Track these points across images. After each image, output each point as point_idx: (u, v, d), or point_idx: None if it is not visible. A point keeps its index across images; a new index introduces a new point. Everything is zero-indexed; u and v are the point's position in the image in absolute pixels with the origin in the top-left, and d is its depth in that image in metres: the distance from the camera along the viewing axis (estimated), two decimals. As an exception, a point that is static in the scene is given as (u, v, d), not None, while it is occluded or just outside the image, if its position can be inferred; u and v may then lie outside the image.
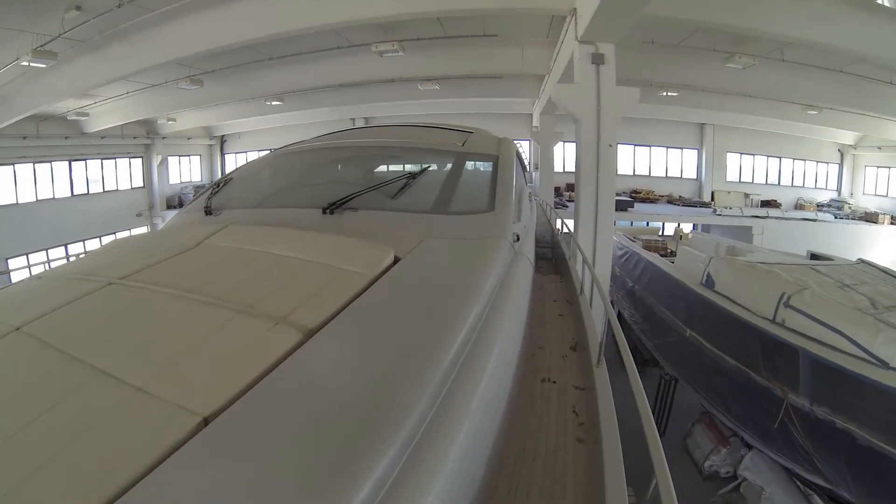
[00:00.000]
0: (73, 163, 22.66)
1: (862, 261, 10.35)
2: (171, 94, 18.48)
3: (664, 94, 17.82)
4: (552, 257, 6.83)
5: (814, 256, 11.57)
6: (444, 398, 1.33)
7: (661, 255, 14.21)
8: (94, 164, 23.73)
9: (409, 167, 3.77)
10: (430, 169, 3.61)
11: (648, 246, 15.54)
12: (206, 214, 3.41)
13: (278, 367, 1.36)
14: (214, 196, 3.68)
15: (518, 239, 3.22)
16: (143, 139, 25.29)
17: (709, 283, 9.71)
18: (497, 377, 1.84)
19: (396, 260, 2.23)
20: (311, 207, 3.06)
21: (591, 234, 9.14)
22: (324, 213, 2.99)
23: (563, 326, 3.77)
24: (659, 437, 1.50)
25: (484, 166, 3.82)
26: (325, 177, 4.17)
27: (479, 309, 1.88)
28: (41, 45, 11.35)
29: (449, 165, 3.74)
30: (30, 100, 15.31)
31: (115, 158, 24.66)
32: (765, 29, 10.42)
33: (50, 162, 21.57)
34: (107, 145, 23.65)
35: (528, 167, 24.27)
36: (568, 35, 10.09)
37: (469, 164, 3.83)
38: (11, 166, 20.08)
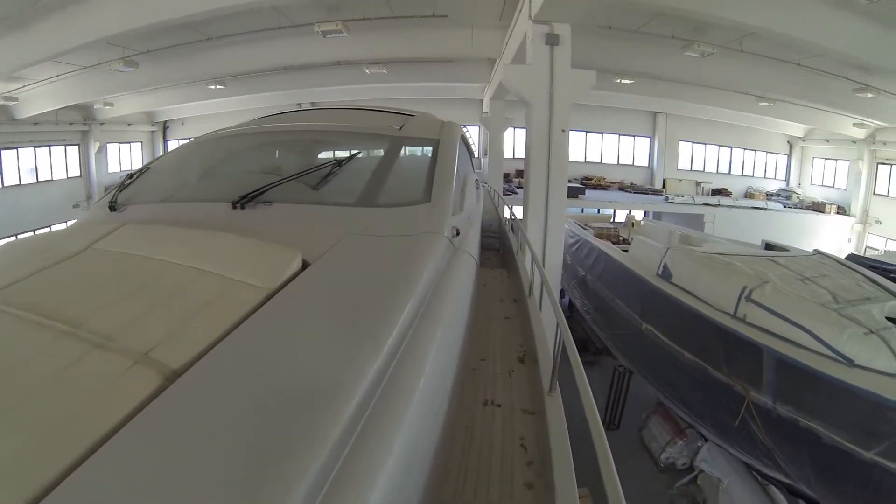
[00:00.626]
0: (2, 151, 20.87)
1: (818, 252, 10.20)
2: (105, 77, 17.00)
3: (619, 81, 17.43)
4: (499, 248, 6.58)
5: (768, 246, 11.41)
6: (355, 442, 1.06)
7: (614, 244, 13.97)
8: (26, 153, 21.99)
9: (339, 154, 3.37)
10: (360, 156, 3.29)
11: (601, 234, 15.25)
12: (111, 210, 3.01)
13: (119, 434, 1.03)
14: (125, 189, 3.27)
15: (458, 234, 2.90)
16: (79, 125, 23.71)
17: (665, 274, 9.36)
18: (427, 402, 1.53)
19: (305, 265, 1.90)
20: (220, 201, 2.71)
21: (541, 223, 8.71)
22: (234, 207, 2.64)
23: (510, 332, 3.52)
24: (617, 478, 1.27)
25: (423, 152, 3.56)
26: (243, 166, 3.79)
27: (405, 319, 1.59)
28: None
29: (382, 151, 3.41)
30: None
31: (49, 146, 23.05)
32: (731, 17, 10.09)
33: (-23, 151, 20.00)
34: (40, 132, 21.74)
35: (476, 153, 24.19)
36: (522, 14, 9.57)
37: (406, 151, 3.53)
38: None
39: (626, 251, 12.15)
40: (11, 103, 18.85)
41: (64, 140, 23.74)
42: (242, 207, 2.62)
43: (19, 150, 21.63)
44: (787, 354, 6.69)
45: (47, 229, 17.62)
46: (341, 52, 15.51)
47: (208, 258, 1.92)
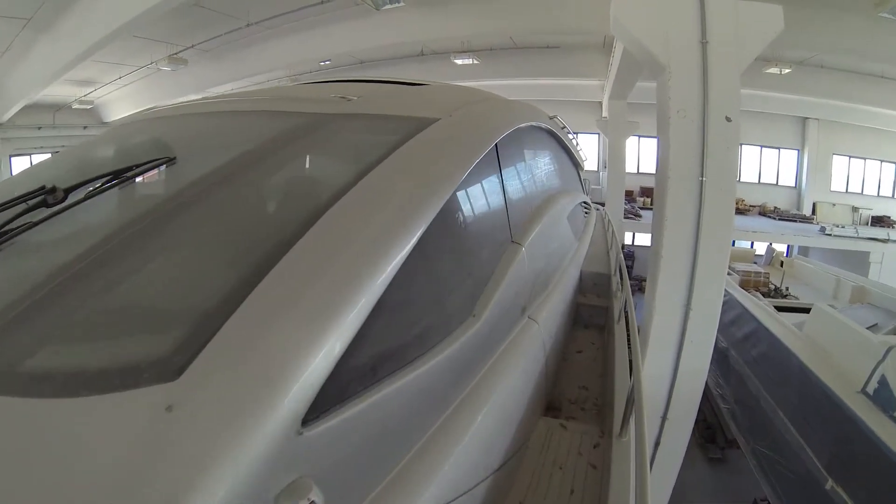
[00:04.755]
0: (93, 152, 20.83)
1: None
2: (169, 78, 16.16)
3: (772, 70, 12.56)
4: (605, 326, 3.36)
5: None
6: None
7: (764, 294, 9.37)
8: (118, 155, 21.75)
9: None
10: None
11: (747, 282, 10.35)
12: None
13: None
14: None
15: None
16: (172, 127, 23.23)
17: (883, 398, 4.92)
18: None
19: None
20: None
21: (682, 287, 4.54)
22: None
23: None
24: None
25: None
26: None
27: None
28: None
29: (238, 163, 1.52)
30: (17, 89, 13.53)
31: (143, 148, 22.50)
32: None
33: (69, 152, 19.89)
34: (131, 134, 21.66)
35: (589, 163, 19.67)
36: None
37: (314, 160, 1.65)
38: (28, 156, 18.69)
39: (787, 306, 7.53)
40: (87, 107, 18.76)
41: (159, 142, 23.30)
42: None
43: (110, 151, 21.66)
44: None
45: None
46: (409, 33, 12.01)
47: None
